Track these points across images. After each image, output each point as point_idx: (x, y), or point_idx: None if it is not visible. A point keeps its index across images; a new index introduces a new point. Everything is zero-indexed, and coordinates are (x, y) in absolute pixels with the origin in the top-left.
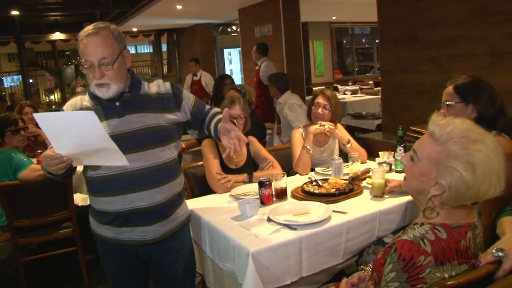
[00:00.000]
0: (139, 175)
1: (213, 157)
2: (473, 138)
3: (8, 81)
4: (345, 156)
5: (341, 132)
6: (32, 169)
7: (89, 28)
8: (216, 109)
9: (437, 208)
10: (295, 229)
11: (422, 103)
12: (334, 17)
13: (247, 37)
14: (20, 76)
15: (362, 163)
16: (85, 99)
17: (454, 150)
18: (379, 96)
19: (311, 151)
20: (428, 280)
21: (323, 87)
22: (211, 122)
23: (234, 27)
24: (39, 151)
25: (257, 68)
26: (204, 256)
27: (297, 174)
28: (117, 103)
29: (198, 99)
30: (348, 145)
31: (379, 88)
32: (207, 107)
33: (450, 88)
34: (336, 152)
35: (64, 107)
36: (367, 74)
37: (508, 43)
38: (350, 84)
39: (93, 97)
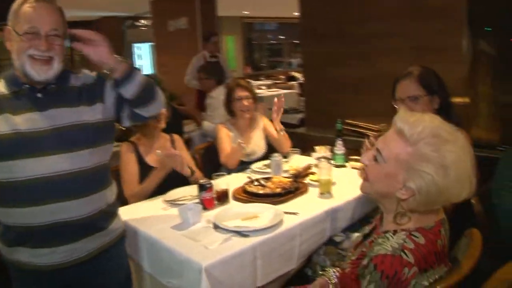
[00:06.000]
0: (65, 180)
1: (133, 162)
2: (445, 138)
3: None
4: (269, 147)
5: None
6: None
7: None
8: None
9: (408, 212)
10: (247, 236)
11: (346, 97)
12: (245, 12)
13: (160, 31)
14: None
15: (285, 153)
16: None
17: (426, 152)
18: (295, 91)
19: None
20: None
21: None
22: None
23: (143, 21)
24: None
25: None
26: (141, 273)
27: (233, 174)
28: (39, 95)
29: None
30: (282, 133)
31: (293, 82)
32: None
33: (412, 81)
34: (263, 142)
35: None
36: (278, 69)
37: (432, 38)
38: (262, 79)
39: (12, 82)
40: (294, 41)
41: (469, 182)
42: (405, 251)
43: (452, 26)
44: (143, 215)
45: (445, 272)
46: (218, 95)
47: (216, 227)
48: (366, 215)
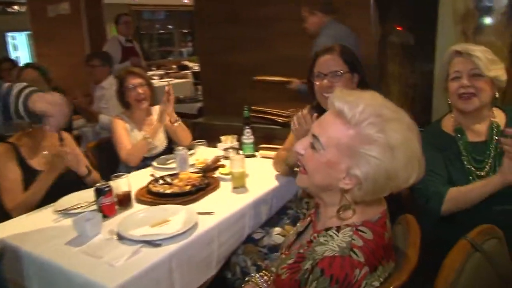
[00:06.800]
0: None
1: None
2: (389, 117)
3: None
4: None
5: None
6: None
7: None
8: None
9: (352, 205)
10: (159, 245)
11: (245, 82)
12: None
13: (38, 17)
14: None
15: (189, 145)
16: None
17: (370, 133)
18: (189, 80)
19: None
20: None
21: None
22: None
23: (16, 6)
24: None
25: None
26: None
27: (133, 172)
28: None
29: None
30: (177, 124)
31: (186, 71)
32: None
33: (335, 56)
34: (163, 135)
35: None
36: (169, 59)
37: None
38: (153, 69)
39: None
40: (184, 31)
41: (418, 163)
42: (354, 249)
43: (357, 10)
44: (29, 230)
45: (393, 268)
46: (110, 85)
47: (121, 238)
48: (283, 206)
